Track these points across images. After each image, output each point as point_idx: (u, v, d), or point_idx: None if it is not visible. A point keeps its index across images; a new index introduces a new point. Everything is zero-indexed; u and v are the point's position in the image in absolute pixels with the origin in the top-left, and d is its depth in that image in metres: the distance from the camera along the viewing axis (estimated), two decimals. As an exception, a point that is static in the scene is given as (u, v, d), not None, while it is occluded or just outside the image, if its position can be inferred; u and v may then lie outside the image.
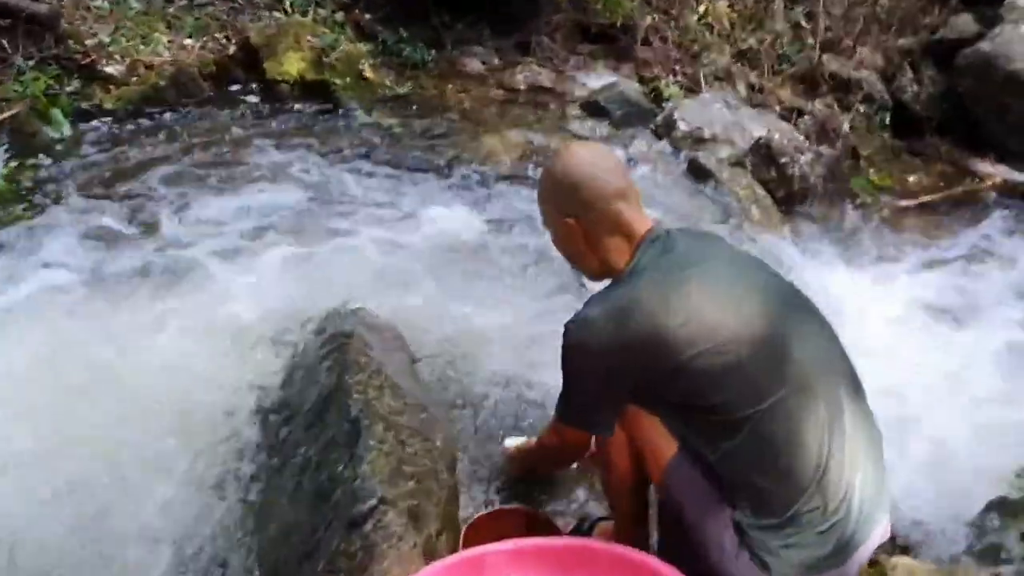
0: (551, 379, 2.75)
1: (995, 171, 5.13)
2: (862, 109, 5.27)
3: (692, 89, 4.98)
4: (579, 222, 1.84)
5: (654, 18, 5.16)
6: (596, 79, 5.04)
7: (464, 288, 3.21)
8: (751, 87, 5.14)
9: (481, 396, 2.70)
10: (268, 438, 2.38)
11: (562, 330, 1.80)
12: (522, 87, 4.93)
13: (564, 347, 1.78)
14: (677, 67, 5.07)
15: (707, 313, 1.71)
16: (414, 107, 4.72)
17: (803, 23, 5.60)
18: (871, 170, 5.07)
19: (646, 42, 5.25)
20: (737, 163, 4.46)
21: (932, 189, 4.94)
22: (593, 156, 1.90)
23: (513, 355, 2.87)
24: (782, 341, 1.72)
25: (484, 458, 2.46)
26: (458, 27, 5.19)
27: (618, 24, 5.18)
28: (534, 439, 2.41)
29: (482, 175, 4.10)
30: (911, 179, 5.05)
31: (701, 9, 5.37)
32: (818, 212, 4.57)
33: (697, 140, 4.49)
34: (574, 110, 4.74)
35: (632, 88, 4.79)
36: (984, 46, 5.06)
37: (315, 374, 2.40)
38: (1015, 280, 4.18)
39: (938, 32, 5.48)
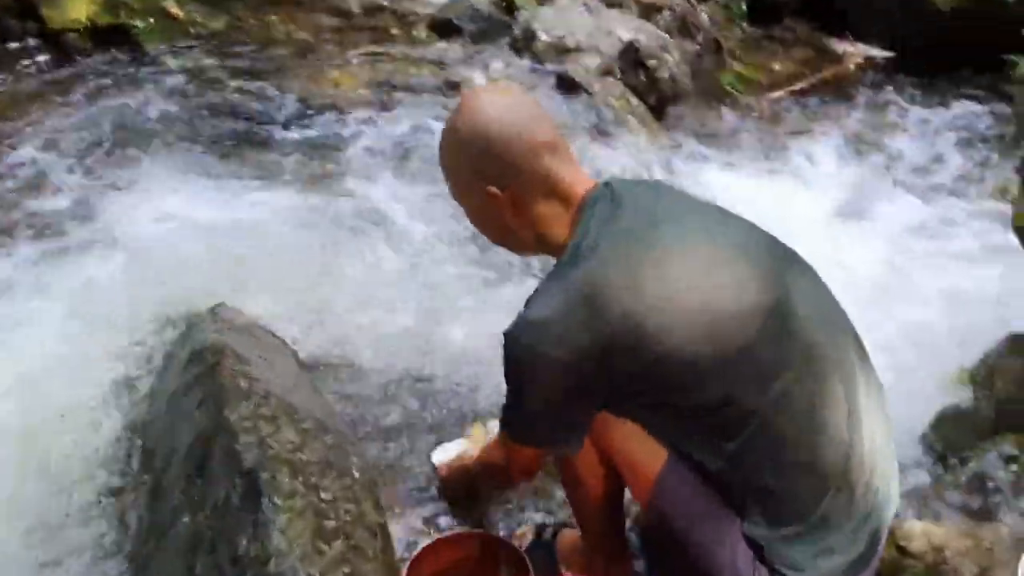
0: (470, 372, 2.42)
1: (856, 50, 5.03)
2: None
3: (543, -5, 4.54)
4: (505, 190, 1.44)
5: (492, -82, 4.64)
6: (439, -7, 4.51)
7: (341, 267, 2.72)
8: (603, -15, 4.75)
9: (387, 401, 2.27)
10: (133, 505, 1.89)
11: (501, 334, 1.41)
12: (356, 9, 4.36)
13: (512, 360, 1.39)
14: (523, -29, 4.59)
15: (690, 286, 1.37)
16: (234, 45, 4.06)
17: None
18: (735, 63, 4.87)
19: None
20: (607, 72, 4.11)
21: (798, 76, 4.81)
22: (509, 102, 1.49)
23: (417, 345, 2.45)
24: (783, 309, 1.40)
25: (409, 477, 2.06)
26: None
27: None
28: (467, 445, 2.04)
29: (334, 117, 3.56)
30: (776, 67, 4.89)
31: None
32: (693, 115, 4.34)
33: (561, 51, 4.09)
34: (422, 31, 4.23)
35: (483, 2, 4.30)
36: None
37: (182, 407, 1.91)
38: (898, 159, 4.11)
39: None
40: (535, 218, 1.48)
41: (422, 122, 3.55)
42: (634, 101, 4.07)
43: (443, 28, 4.19)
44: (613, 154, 3.56)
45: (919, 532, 1.69)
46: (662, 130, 4.11)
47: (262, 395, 1.84)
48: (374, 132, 3.47)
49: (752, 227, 1.51)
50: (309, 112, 3.57)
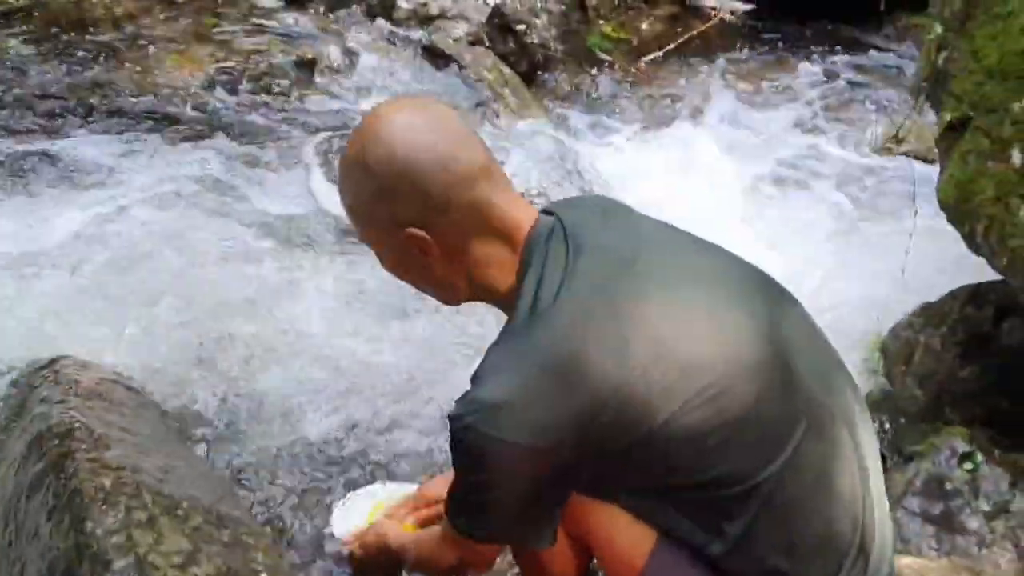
0: (379, 422, 2.09)
1: (717, 4, 4.92)
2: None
3: (397, -45, 4.14)
4: (430, 231, 1.14)
5: None
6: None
7: (199, 297, 2.30)
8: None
9: (282, 463, 1.92)
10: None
11: (448, 418, 1.13)
12: (189, -19, 3.83)
13: (465, 450, 1.11)
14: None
15: (682, 343, 1.12)
16: (46, 25, 3.47)
17: None
18: (601, 22, 4.65)
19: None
20: (475, 41, 3.80)
21: (667, 35, 4.64)
22: (427, 122, 1.17)
23: (308, 388, 2.10)
24: (784, 360, 1.18)
25: (311, 551, 1.74)
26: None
27: None
28: (375, 505, 1.72)
29: (176, 109, 3.09)
30: (643, 27, 4.70)
31: None
32: (567, 83, 4.10)
33: (424, 18, 3.75)
34: (268, 1, 3.76)
35: (332, -37, 3.87)
36: None
37: (25, 523, 1.51)
38: (775, 115, 4.04)
39: None
40: (471, 263, 1.18)
41: (274, 116, 3.16)
42: (506, 71, 3.79)
43: (289, -4, 3.75)
44: (496, 133, 3.27)
45: (908, 568, 1.54)
46: (537, 101, 3.85)
47: (132, 492, 1.47)
48: (224, 127, 3.03)
49: (734, 259, 1.27)
50: (139, 105, 3.07)
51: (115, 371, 1.97)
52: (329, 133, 3.11)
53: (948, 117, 2.18)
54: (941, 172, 2.24)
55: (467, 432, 1.10)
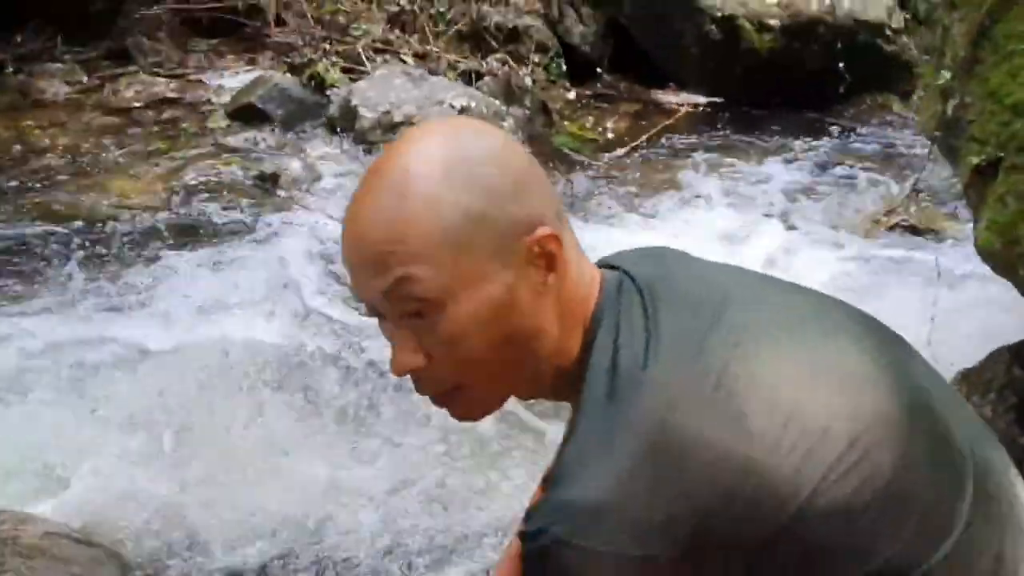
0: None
1: (680, 99, 4.89)
2: (537, 60, 4.73)
3: (355, 70, 4.05)
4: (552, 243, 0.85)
5: (281, -9, 4.13)
6: (233, 78, 3.91)
7: (161, 430, 2.01)
8: (417, 55, 4.34)
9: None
10: None
11: (523, 536, 0.84)
12: (136, 104, 3.66)
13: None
14: (327, 46, 4.09)
15: (803, 398, 0.87)
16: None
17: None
18: (566, 123, 4.59)
19: (280, 23, 4.20)
20: (443, 145, 3.64)
21: (633, 130, 4.59)
22: (497, 131, 0.98)
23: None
24: (928, 408, 0.92)
25: None
26: (17, 40, 3.75)
27: (239, 7, 4.07)
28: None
29: (120, 236, 2.84)
30: (609, 125, 4.65)
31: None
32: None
33: (389, 127, 3.59)
34: (220, 120, 3.59)
35: (286, 80, 3.74)
36: (640, -30, 4.73)
37: None
38: (747, 200, 3.92)
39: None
40: (564, 316, 0.88)
41: (237, 229, 2.93)
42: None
43: (246, 114, 3.57)
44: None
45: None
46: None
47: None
48: (175, 251, 2.78)
49: (832, 298, 1.03)
50: (82, 236, 2.82)
51: (63, 523, 1.65)
52: (294, 247, 2.88)
53: (975, 161, 2.02)
54: (976, 221, 2.07)
55: (557, 550, 0.81)
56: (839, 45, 4.68)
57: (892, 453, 0.86)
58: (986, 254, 1.99)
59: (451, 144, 0.86)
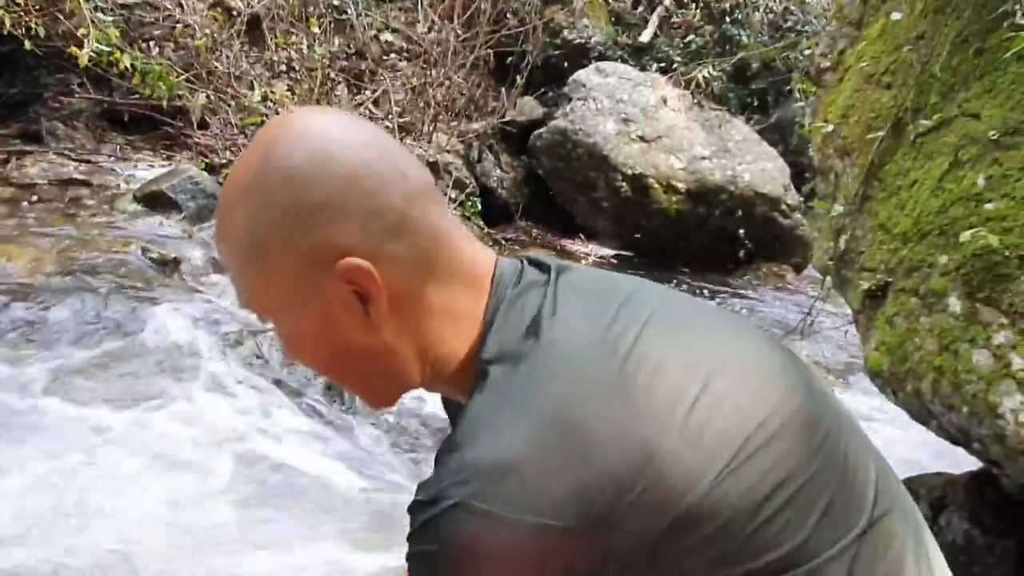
0: None
1: (588, 249, 5.06)
2: (454, 196, 4.84)
3: (272, 178, 4.05)
4: (377, 265, 0.83)
5: (209, 97, 4.16)
6: (147, 171, 3.86)
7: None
8: (337, 175, 4.39)
9: None
10: None
11: (415, 506, 0.76)
12: (41, 181, 3.55)
13: (447, 552, 0.74)
14: (248, 153, 4.10)
15: (710, 381, 0.83)
16: None
17: (372, 108, 5.06)
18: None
19: (203, 126, 4.22)
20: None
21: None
22: (357, 122, 0.87)
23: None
24: (837, 418, 0.91)
25: None
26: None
27: (163, 107, 4.08)
28: None
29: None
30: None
31: (259, 91, 4.51)
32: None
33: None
34: (127, 204, 3.50)
35: (201, 175, 3.70)
36: (560, 123, 4.99)
37: None
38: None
39: (506, 116, 5.33)
40: (424, 316, 0.84)
41: (124, 308, 2.80)
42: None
43: (155, 201, 3.50)
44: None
45: None
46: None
47: None
48: (59, 325, 2.64)
49: (737, 318, 1.03)
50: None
51: None
52: (192, 332, 2.76)
53: (866, 286, 2.12)
54: (864, 344, 2.14)
55: (454, 518, 0.73)
56: (740, 213, 4.98)
57: (799, 446, 0.83)
58: (875, 375, 2.05)
59: (267, 153, 0.82)
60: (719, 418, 0.80)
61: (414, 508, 0.75)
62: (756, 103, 5.77)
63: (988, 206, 1.79)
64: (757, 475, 0.79)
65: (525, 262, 0.91)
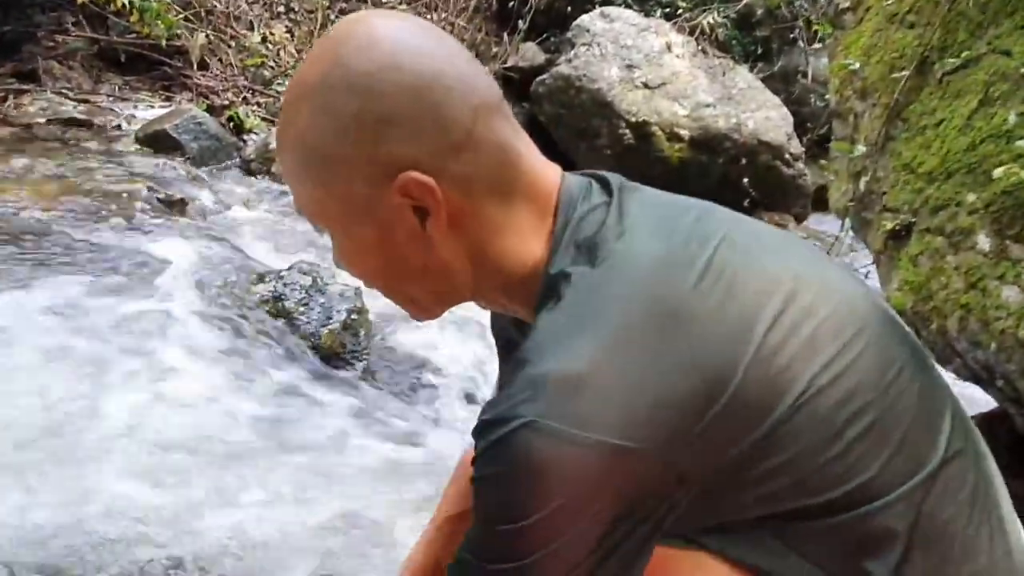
0: None
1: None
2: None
3: (275, 121, 3.99)
4: (439, 180, 0.80)
5: (208, 38, 4.08)
6: (146, 111, 3.79)
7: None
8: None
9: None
10: None
11: (482, 426, 0.73)
12: (40, 120, 3.48)
13: (515, 476, 0.72)
14: (249, 95, 4.04)
15: (798, 303, 0.80)
16: None
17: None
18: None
19: (203, 67, 4.13)
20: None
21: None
22: (427, 29, 0.85)
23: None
24: (915, 345, 0.90)
25: None
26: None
27: (162, 46, 3.99)
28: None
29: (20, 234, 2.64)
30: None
31: (259, 32, 4.42)
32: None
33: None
34: (128, 144, 3.44)
35: (203, 116, 3.64)
36: (563, 69, 4.92)
37: None
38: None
39: (507, 62, 5.25)
40: (484, 231, 0.82)
41: (130, 246, 2.76)
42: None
43: (158, 141, 3.44)
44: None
45: None
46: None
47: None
48: (63, 262, 2.60)
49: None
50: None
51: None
52: (198, 272, 2.73)
53: (889, 227, 2.11)
54: (886, 285, 2.14)
55: (521, 436, 0.70)
56: (743, 161, 4.95)
57: (876, 376, 0.81)
58: (898, 315, 2.04)
59: (334, 59, 0.79)
60: (796, 342, 0.78)
61: (481, 429, 0.73)
62: (760, 51, 5.70)
63: (1020, 143, 1.78)
64: (834, 402, 0.78)
65: (592, 179, 0.89)
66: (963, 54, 2.04)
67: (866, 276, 2.40)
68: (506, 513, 0.72)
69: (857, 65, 2.33)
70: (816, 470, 0.78)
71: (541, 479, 0.70)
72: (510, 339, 1.05)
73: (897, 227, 2.09)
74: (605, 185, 0.88)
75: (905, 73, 2.19)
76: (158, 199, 2.98)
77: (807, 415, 0.77)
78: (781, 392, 0.76)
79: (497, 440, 0.71)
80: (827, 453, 0.78)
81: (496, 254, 0.84)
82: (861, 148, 2.30)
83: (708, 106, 4.97)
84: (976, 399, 2.12)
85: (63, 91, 3.69)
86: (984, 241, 1.81)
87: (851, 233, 2.49)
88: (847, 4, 2.69)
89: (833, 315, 0.82)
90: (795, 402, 0.76)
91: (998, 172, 1.76)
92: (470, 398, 2.57)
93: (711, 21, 5.18)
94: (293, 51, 4.49)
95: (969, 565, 0.83)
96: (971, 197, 1.87)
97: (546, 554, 0.72)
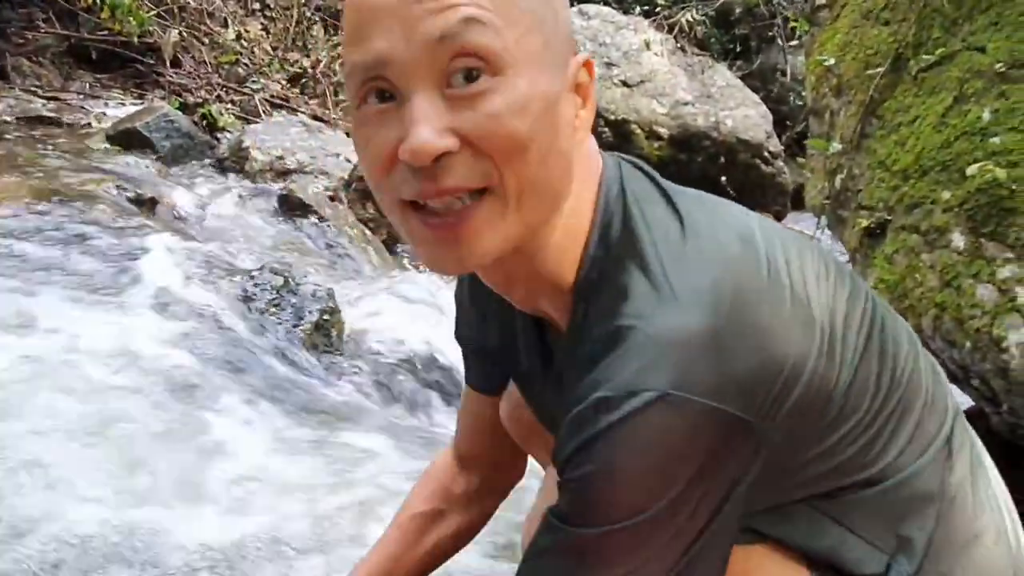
0: None
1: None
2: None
3: (248, 120, 3.95)
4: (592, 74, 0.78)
5: (181, 35, 4.03)
6: (118, 108, 3.73)
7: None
8: (315, 117, 4.29)
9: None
10: None
11: (621, 420, 0.69)
12: (7, 119, 3.42)
13: (634, 453, 0.69)
14: (223, 93, 3.99)
15: (830, 288, 0.81)
16: None
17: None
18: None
19: (176, 64, 4.08)
20: (335, 198, 3.56)
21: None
22: None
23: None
24: (900, 323, 0.92)
25: None
26: None
27: (135, 42, 3.93)
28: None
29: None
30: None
31: (233, 29, 4.37)
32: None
33: (281, 172, 3.48)
34: (99, 143, 3.38)
35: (176, 114, 3.59)
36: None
37: None
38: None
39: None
40: (580, 164, 0.78)
41: (100, 246, 2.72)
42: (368, 232, 3.54)
43: (128, 140, 3.38)
44: (364, 283, 2.96)
45: None
46: (399, 264, 3.60)
47: None
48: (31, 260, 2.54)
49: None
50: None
51: None
52: (167, 272, 2.69)
53: (864, 224, 2.10)
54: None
55: (658, 409, 0.67)
56: (722, 160, 4.95)
57: (904, 344, 0.85)
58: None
59: None
60: (839, 324, 0.78)
61: (600, 407, 0.69)
62: (739, 49, 5.71)
63: (994, 140, 1.77)
64: (874, 380, 0.79)
65: (620, 159, 0.86)
66: (937, 51, 2.03)
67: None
68: (636, 498, 0.68)
69: (832, 61, 2.32)
70: (863, 446, 0.79)
71: (670, 459, 0.68)
72: (483, 346, 1.03)
73: (872, 225, 2.08)
74: (637, 167, 0.85)
75: (880, 70, 2.18)
76: (128, 198, 2.93)
77: (856, 394, 0.78)
78: (837, 374, 0.76)
79: (626, 417, 0.67)
80: (871, 429, 0.78)
81: (573, 194, 0.78)
82: (837, 145, 2.28)
83: (687, 104, 4.96)
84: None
85: (32, 88, 3.63)
86: (959, 239, 1.80)
87: (827, 231, 2.48)
88: (823, 1, 2.68)
89: (853, 297, 0.83)
90: (847, 382, 0.77)
91: (972, 170, 1.75)
92: (445, 397, 2.54)
93: (690, 19, 5.18)
94: (268, 48, 4.44)
95: (980, 520, 0.85)
96: (946, 195, 1.86)
97: (666, 533, 0.69)
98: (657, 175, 0.84)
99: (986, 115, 1.83)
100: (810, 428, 0.75)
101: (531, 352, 0.91)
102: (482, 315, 1.00)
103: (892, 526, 0.79)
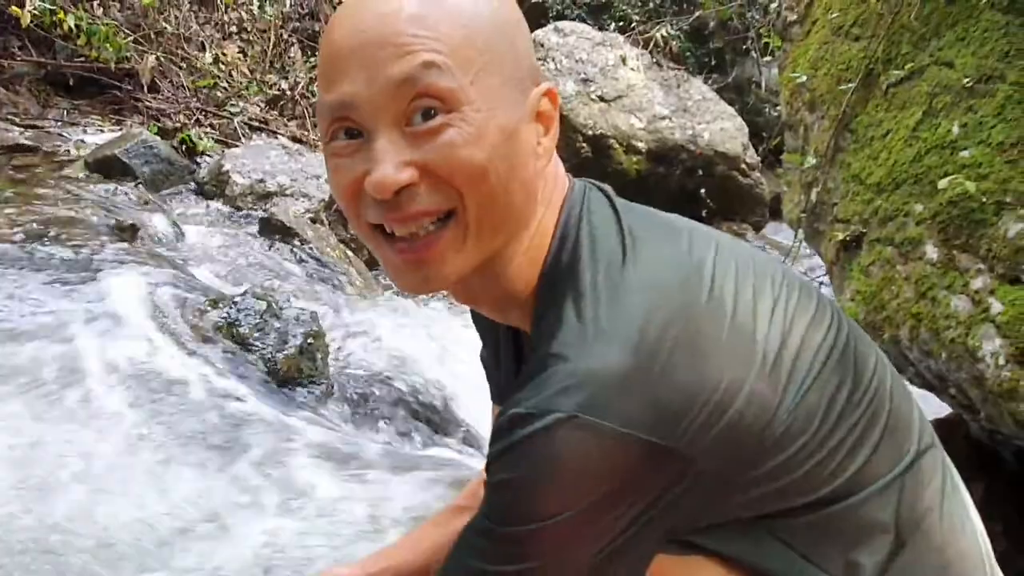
0: None
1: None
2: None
3: (228, 143, 3.95)
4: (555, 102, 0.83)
5: (159, 60, 4.03)
6: (96, 135, 3.73)
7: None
8: (294, 139, 4.30)
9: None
10: None
11: (513, 420, 0.73)
12: (-18, 148, 3.41)
13: (545, 472, 0.72)
14: (202, 117, 3.99)
15: (784, 314, 0.83)
16: None
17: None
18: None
19: (154, 89, 4.08)
20: (316, 220, 3.57)
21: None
22: None
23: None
24: (866, 349, 0.92)
25: None
26: None
27: (112, 68, 3.93)
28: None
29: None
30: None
31: (211, 53, 4.38)
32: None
33: (261, 195, 3.49)
34: (78, 170, 3.38)
35: (155, 139, 3.59)
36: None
37: None
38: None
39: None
40: (545, 190, 0.83)
41: (81, 275, 2.71)
42: (350, 253, 3.55)
43: (108, 167, 3.38)
44: (346, 305, 2.96)
45: None
46: (381, 287, 3.61)
47: None
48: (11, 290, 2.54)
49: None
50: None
51: None
52: (150, 299, 2.68)
53: (840, 237, 2.13)
54: (839, 295, 2.16)
55: (564, 431, 0.70)
56: (700, 173, 4.99)
57: (854, 377, 0.84)
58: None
59: None
60: (791, 349, 0.80)
61: (514, 421, 0.72)
62: (714, 63, 5.77)
63: (963, 153, 1.81)
64: (827, 401, 0.80)
65: (587, 183, 0.88)
66: (907, 66, 2.07)
67: (819, 286, 2.42)
68: (532, 509, 0.72)
69: (804, 78, 2.35)
70: (810, 469, 0.80)
71: (579, 474, 0.71)
72: (487, 361, 1.06)
73: (848, 238, 2.11)
74: (601, 191, 0.87)
75: (851, 85, 2.22)
76: (108, 225, 2.92)
77: (802, 417, 0.79)
78: (781, 397, 0.78)
79: (533, 433, 0.71)
80: (820, 452, 0.79)
81: (536, 218, 0.82)
82: (811, 160, 2.32)
83: (664, 118, 5.01)
84: (930, 400, 2.14)
85: (9, 116, 3.62)
86: (932, 251, 1.83)
87: (804, 243, 2.51)
88: (794, 17, 2.72)
89: (814, 323, 0.85)
90: (792, 405, 0.78)
91: (943, 183, 1.78)
92: (429, 421, 2.55)
93: (664, 33, 5.23)
94: (246, 71, 4.45)
95: (949, 550, 0.86)
96: (918, 207, 1.90)
97: (562, 555, 0.73)
98: (619, 202, 0.86)
99: (955, 129, 1.87)
100: (748, 450, 0.76)
101: (509, 360, 0.95)
102: (483, 330, 1.05)
103: (843, 551, 0.80)
